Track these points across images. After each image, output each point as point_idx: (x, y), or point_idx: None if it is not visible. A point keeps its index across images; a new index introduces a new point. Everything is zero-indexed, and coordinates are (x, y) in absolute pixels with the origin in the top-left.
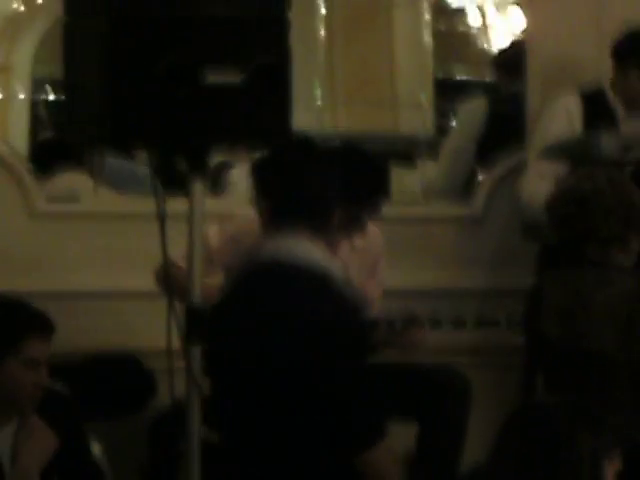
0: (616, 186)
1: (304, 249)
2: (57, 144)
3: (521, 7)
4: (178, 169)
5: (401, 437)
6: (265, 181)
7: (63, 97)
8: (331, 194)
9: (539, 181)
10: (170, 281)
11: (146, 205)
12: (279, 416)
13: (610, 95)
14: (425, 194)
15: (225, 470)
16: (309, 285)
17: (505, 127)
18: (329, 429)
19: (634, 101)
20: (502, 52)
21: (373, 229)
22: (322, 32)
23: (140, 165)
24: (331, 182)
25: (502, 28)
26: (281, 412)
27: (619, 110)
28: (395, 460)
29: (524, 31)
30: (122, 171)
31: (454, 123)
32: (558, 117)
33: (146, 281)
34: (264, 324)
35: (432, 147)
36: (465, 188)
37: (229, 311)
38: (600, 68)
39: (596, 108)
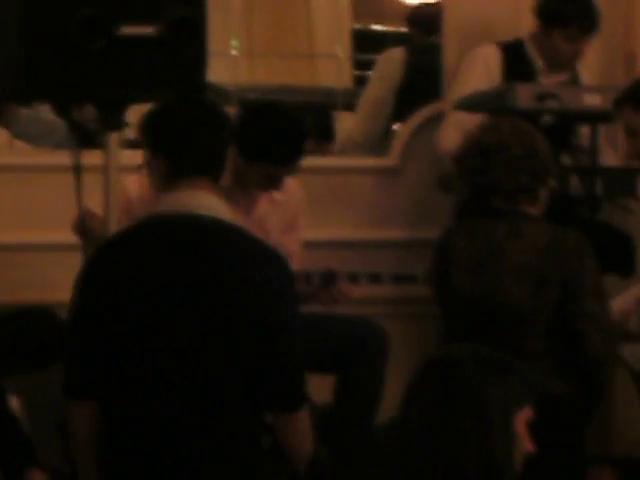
0: (520, 136)
1: (206, 201)
2: None
3: None
4: (92, 122)
5: (318, 390)
6: (158, 136)
7: None
8: (226, 146)
9: (456, 132)
10: (87, 232)
11: (62, 158)
12: (193, 372)
13: (529, 47)
14: (342, 145)
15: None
16: (224, 236)
17: (423, 78)
18: (252, 389)
19: (555, 59)
20: (416, 10)
21: (293, 183)
22: None
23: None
24: (226, 134)
25: None
26: (196, 369)
27: (538, 62)
28: (310, 424)
29: None
30: (37, 123)
31: (372, 73)
32: (476, 68)
33: (62, 233)
34: (177, 276)
35: (349, 99)
36: (383, 140)
37: (120, 263)
38: (517, 22)
39: (515, 59)
